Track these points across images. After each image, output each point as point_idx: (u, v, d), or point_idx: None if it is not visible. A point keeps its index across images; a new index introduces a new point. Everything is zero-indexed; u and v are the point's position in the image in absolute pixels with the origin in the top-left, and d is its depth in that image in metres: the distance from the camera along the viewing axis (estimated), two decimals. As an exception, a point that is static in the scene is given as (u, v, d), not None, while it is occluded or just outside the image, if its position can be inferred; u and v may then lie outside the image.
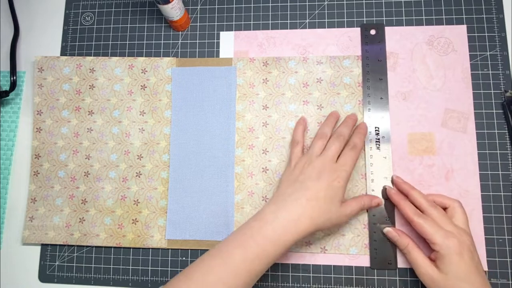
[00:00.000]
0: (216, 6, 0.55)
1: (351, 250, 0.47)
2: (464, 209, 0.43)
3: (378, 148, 0.48)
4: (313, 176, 0.42)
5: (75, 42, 0.55)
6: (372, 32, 0.51)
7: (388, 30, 0.51)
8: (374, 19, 0.52)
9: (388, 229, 0.45)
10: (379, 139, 0.49)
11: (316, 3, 0.53)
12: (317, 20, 0.53)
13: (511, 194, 0.47)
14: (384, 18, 0.52)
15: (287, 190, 0.42)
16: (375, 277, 0.46)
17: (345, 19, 0.52)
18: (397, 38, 0.51)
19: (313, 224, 0.40)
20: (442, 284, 0.40)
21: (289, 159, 0.47)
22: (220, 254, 0.39)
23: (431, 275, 0.41)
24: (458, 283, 0.39)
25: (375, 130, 0.49)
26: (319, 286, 0.47)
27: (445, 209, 0.44)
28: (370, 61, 0.50)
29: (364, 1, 0.53)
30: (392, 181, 0.47)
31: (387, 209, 0.47)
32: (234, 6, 0.54)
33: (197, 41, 0.54)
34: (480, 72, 0.49)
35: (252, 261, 0.38)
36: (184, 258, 0.49)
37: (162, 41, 0.54)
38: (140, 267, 0.49)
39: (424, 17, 0.51)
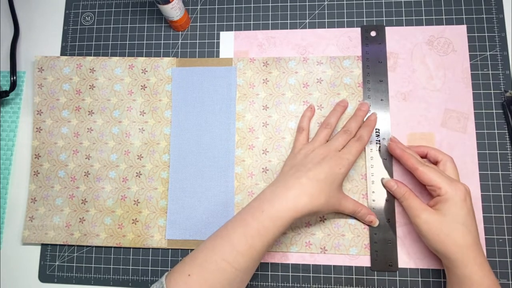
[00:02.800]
0: (216, 6, 0.55)
1: (351, 250, 0.47)
2: (455, 165, 0.44)
3: (378, 149, 0.48)
4: (316, 160, 0.43)
5: (75, 42, 0.55)
6: (373, 33, 0.51)
7: (388, 30, 0.51)
8: (374, 19, 0.52)
9: (386, 179, 0.46)
10: (379, 140, 0.49)
11: (316, 3, 0.53)
12: (317, 20, 0.53)
13: (511, 194, 0.47)
14: (384, 18, 0.52)
15: (289, 172, 0.43)
16: (375, 277, 0.46)
17: (345, 19, 0.52)
18: (397, 38, 0.51)
19: (312, 203, 0.40)
20: (437, 225, 0.40)
21: (293, 146, 0.47)
22: (222, 234, 0.40)
23: (426, 218, 0.41)
24: (455, 225, 0.40)
25: (376, 132, 0.49)
26: (319, 286, 0.47)
27: (436, 163, 0.45)
28: (371, 63, 0.50)
29: (364, 1, 0.53)
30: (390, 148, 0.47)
31: (388, 210, 0.47)
32: (234, 6, 0.54)
33: (197, 41, 0.54)
34: (480, 72, 0.49)
35: (253, 237, 0.39)
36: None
37: (162, 41, 0.54)
38: (140, 267, 0.49)
39: (424, 17, 0.51)
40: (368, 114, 0.48)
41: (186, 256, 0.41)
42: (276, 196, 0.41)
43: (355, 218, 0.47)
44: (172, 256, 0.49)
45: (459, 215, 0.40)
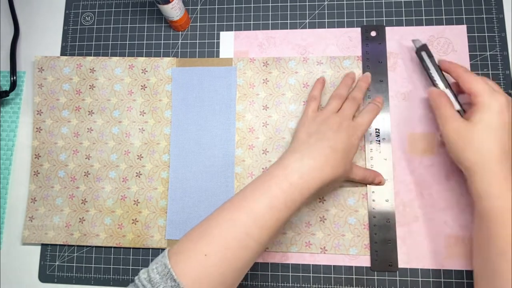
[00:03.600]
0: (216, 6, 0.55)
1: (351, 250, 0.47)
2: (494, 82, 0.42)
3: (378, 149, 0.48)
4: (334, 128, 0.42)
5: (75, 42, 0.55)
6: (373, 33, 0.51)
7: (388, 30, 0.51)
8: (374, 19, 0.52)
9: (431, 89, 0.44)
10: (379, 140, 0.49)
11: (316, 3, 0.53)
12: (317, 20, 0.53)
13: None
14: (384, 18, 0.52)
15: (310, 140, 0.42)
16: (375, 277, 0.46)
17: (345, 19, 0.52)
18: (397, 38, 0.51)
19: (334, 173, 0.40)
20: (466, 134, 0.39)
21: (304, 113, 0.46)
22: (242, 206, 0.37)
23: (457, 126, 0.40)
24: (485, 134, 0.38)
25: (376, 132, 0.49)
26: (319, 286, 0.47)
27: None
28: (371, 63, 0.50)
29: (364, 1, 0.53)
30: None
31: (388, 210, 0.47)
32: (234, 6, 0.54)
33: (197, 41, 0.54)
34: (480, 72, 0.49)
35: (280, 210, 0.37)
36: (184, 258, 0.49)
37: (162, 41, 0.54)
38: (140, 267, 0.49)
39: (424, 17, 0.51)
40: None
41: (192, 230, 0.37)
42: (303, 166, 0.39)
43: (356, 217, 0.47)
44: (172, 256, 0.49)
45: (492, 124, 0.38)
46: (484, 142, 0.38)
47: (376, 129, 0.49)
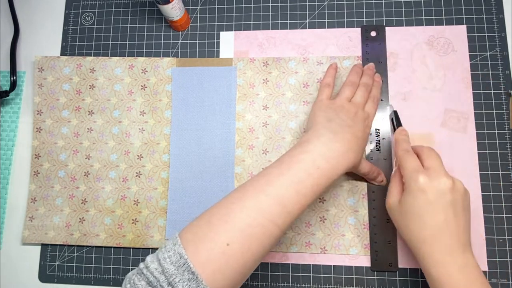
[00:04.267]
0: (216, 6, 0.55)
1: (351, 250, 0.47)
2: (436, 155, 0.40)
3: (378, 149, 0.48)
4: (351, 116, 0.42)
5: (75, 42, 0.55)
6: (373, 33, 0.51)
7: (388, 30, 0.51)
8: (374, 19, 0.52)
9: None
10: (379, 141, 0.49)
11: (316, 3, 0.53)
12: (317, 20, 0.53)
13: (511, 194, 0.47)
14: (384, 18, 0.52)
15: (331, 125, 0.41)
16: (375, 277, 0.46)
17: (345, 19, 0.52)
18: (397, 38, 0.51)
19: (355, 160, 0.40)
20: (396, 214, 0.40)
21: (318, 99, 0.44)
22: (268, 191, 0.35)
23: (391, 202, 0.40)
24: (410, 215, 0.38)
25: (376, 132, 0.49)
26: (319, 286, 0.47)
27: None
28: (371, 63, 0.50)
29: (364, 1, 0.53)
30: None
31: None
32: (234, 6, 0.54)
33: (197, 41, 0.54)
34: (480, 72, 0.49)
35: (305, 195, 0.36)
36: (184, 258, 0.49)
37: (162, 41, 0.54)
38: (140, 267, 0.49)
39: (424, 17, 0.51)
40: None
41: (209, 213, 0.34)
42: (330, 151, 0.38)
43: (356, 217, 0.47)
44: (172, 256, 0.49)
45: (414, 206, 0.38)
46: (411, 225, 0.38)
47: (376, 129, 0.49)
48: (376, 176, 0.46)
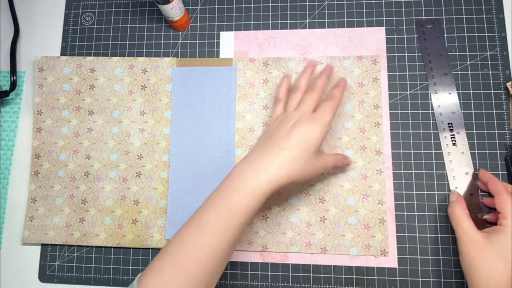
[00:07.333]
0: (216, 6, 0.55)
1: (351, 250, 0.47)
2: None
3: (454, 144, 0.48)
4: (287, 127, 0.41)
5: (75, 42, 0.55)
6: (429, 26, 0.50)
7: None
8: (374, 19, 0.52)
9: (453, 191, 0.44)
10: (453, 135, 0.48)
11: (316, 3, 0.53)
12: (317, 20, 0.53)
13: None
14: (384, 19, 0.52)
15: (262, 144, 0.41)
16: (375, 277, 0.46)
17: (345, 19, 0.52)
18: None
19: (286, 173, 0.38)
20: (480, 246, 0.39)
21: (270, 119, 0.45)
22: (194, 221, 0.38)
23: (471, 236, 0.40)
24: (496, 256, 0.38)
25: (449, 127, 0.48)
26: (319, 286, 0.47)
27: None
28: (432, 58, 0.50)
29: (364, 1, 0.53)
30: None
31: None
32: (234, 6, 0.54)
33: (197, 41, 0.54)
34: (480, 72, 0.49)
35: (227, 221, 0.37)
36: (184, 258, 0.49)
37: (162, 41, 0.54)
38: (140, 267, 0.49)
39: (424, 17, 0.51)
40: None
41: (163, 250, 0.38)
42: (247, 171, 0.38)
43: (356, 217, 0.47)
44: (172, 256, 0.49)
45: (506, 250, 0.38)
46: (492, 266, 0.38)
47: (449, 123, 0.48)
48: (344, 159, 0.45)
